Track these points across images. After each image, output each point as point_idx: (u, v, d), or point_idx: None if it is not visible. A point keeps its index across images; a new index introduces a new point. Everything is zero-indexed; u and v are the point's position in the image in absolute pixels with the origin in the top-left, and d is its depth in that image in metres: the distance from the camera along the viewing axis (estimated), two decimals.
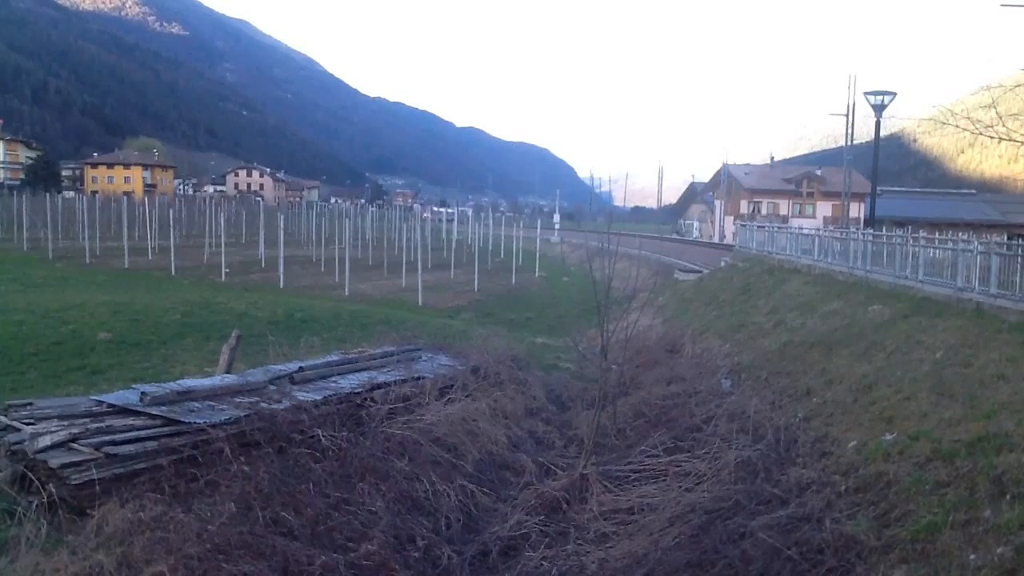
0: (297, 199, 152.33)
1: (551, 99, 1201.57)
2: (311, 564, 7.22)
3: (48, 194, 62.23)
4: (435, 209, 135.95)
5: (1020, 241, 17.97)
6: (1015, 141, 12.98)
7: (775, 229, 33.82)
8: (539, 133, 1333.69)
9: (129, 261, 38.98)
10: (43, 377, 13.82)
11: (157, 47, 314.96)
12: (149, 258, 41.52)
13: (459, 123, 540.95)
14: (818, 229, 32.73)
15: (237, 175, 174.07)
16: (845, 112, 48.80)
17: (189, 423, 9.49)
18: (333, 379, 12.87)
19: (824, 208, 77.22)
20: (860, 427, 10.65)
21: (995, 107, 12.36)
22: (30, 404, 10.00)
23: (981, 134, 13.77)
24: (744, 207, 78.92)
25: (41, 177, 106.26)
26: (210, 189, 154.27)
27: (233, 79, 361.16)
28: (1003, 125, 12.68)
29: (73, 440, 8.61)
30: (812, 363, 14.71)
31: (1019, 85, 12.00)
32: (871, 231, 26.01)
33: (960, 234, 23.41)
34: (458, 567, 8.15)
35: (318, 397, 11.50)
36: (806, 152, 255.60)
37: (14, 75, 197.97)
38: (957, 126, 13.72)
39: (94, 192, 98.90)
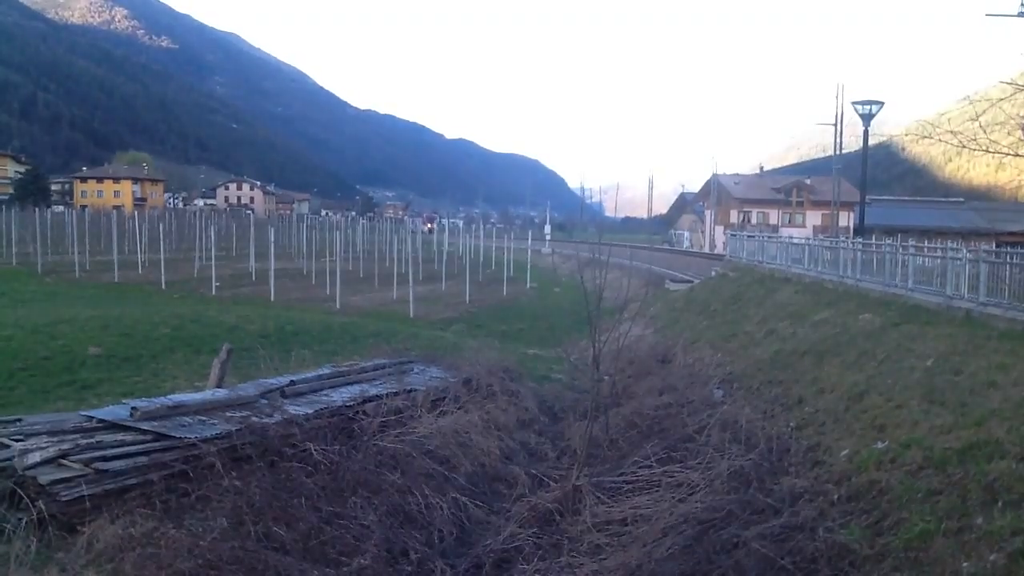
0: (287, 212, 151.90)
1: (541, 110, 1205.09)
2: None
3: (37, 209, 61.94)
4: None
5: (1008, 249, 18.10)
6: (999, 153, 13.00)
7: (765, 238, 33.96)
8: (529, 144, 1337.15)
9: (119, 275, 38.82)
10: (32, 393, 13.74)
11: (146, 60, 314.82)
12: (139, 272, 41.34)
13: (449, 135, 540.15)
14: (808, 238, 32.86)
15: (227, 188, 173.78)
16: (834, 122, 49.09)
17: (180, 438, 9.45)
18: (324, 392, 12.84)
19: (814, 217, 77.44)
20: (852, 436, 10.67)
21: (978, 120, 12.37)
22: (19, 420, 9.96)
23: (964, 147, 13.79)
24: (734, 217, 79.18)
25: (30, 192, 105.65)
26: (200, 202, 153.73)
27: (223, 92, 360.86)
28: (986, 137, 12.70)
29: (63, 456, 8.56)
30: (803, 372, 14.74)
31: (1003, 99, 12.02)
32: (860, 240, 26.15)
33: (949, 242, 23.58)
34: None
35: (310, 411, 11.46)
36: (795, 162, 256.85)
37: (2, 89, 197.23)
38: (940, 139, 13.72)
39: (84, 206, 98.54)
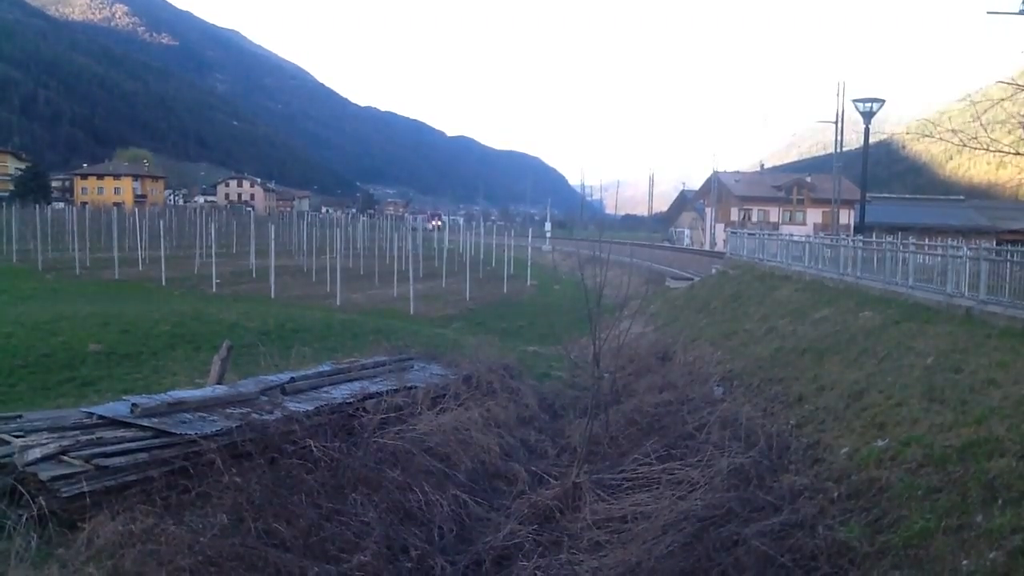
0: (288, 209, 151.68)
1: (542, 107, 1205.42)
2: (304, 575, 7.19)
3: (38, 205, 61.91)
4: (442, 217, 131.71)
5: (1009, 247, 18.07)
6: (1000, 152, 12.94)
7: (766, 236, 33.91)
8: (530, 141, 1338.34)
9: (119, 272, 38.82)
10: (33, 389, 13.75)
11: (147, 57, 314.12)
12: (139, 269, 41.33)
13: (450, 132, 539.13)
14: (808, 236, 32.84)
15: (228, 185, 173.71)
16: (835, 119, 49.03)
17: (180, 434, 9.46)
18: (325, 389, 12.84)
19: (814, 215, 77.37)
20: (852, 433, 10.68)
21: (979, 119, 12.31)
22: (19, 416, 9.96)
23: (965, 145, 13.71)
24: (734, 214, 79.12)
25: (31, 189, 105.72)
26: (200, 199, 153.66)
27: (223, 89, 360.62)
28: (987, 136, 12.64)
29: (63, 452, 8.57)
30: (804, 370, 14.74)
31: (1004, 98, 11.96)
32: (861, 238, 26.13)
33: (949, 240, 23.56)
34: None
35: (310, 407, 11.47)
36: (796, 159, 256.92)
37: (3, 86, 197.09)
38: (941, 138, 13.61)
39: (84, 203, 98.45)
